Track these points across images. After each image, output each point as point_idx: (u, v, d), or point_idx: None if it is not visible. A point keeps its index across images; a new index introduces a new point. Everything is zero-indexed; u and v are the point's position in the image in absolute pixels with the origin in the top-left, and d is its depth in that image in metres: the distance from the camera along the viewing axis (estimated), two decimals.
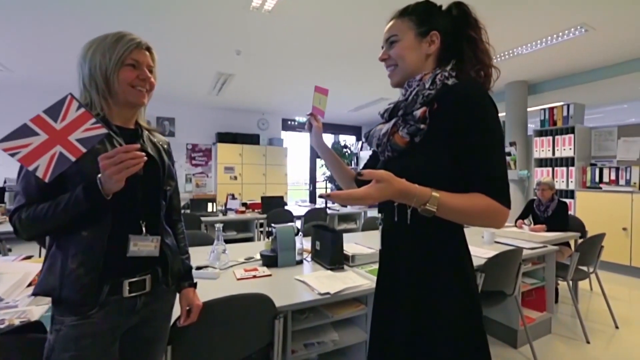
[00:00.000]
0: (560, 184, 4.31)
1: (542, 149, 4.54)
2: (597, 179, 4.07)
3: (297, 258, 1.80)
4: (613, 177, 3.94)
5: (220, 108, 7.10)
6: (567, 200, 4.07)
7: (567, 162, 4.34)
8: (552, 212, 3.00)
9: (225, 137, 6.97)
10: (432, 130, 0.74)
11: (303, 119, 8.16)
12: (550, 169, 4.45)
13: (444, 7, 0.83)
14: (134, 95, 0.86)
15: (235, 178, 7.05)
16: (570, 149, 4.23)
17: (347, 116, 7.56)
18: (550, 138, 4.43)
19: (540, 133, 4.61)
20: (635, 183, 3.76)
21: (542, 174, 4.52)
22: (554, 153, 4.41)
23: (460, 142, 0.71)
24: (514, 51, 3.56)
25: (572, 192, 4.23)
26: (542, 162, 4.63)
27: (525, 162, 4.82)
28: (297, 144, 8.84)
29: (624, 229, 3.69)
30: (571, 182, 4.22)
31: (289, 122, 8.08)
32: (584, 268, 2.57)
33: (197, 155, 7.10)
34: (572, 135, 4.19)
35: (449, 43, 0.81)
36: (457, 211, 0.68)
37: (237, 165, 7.05)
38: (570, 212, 4.18)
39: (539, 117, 4.57)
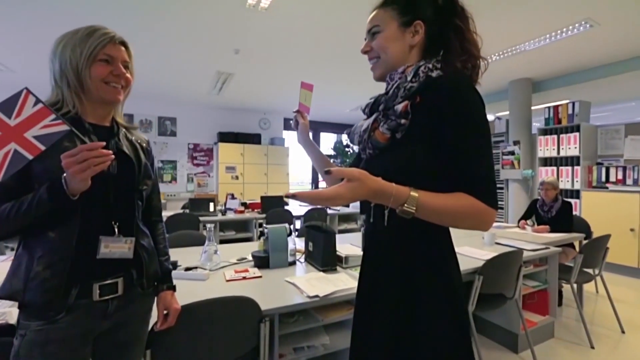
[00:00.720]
0: (565, 184, 4.22)
1: (546, 147, 4.45)
2: (603, 179, 3.98)
3: (290, 259, 1.76)
4: (620, 176, 3.84)
5: (221, 108, 7.10)
6: (572, 201, 3.99)
7: (573, 161, 4.24)
8: (556, 213, 2.92)
9: (226, 137, 6.96)
10: (414, 125, 0.69)
11: None
12: (555, 168, 4.35)
13: None
14: (107, 92, 0.83)
15: (237, 178, 7.04)
16: (575, 147, 4.13)
17: (348, 115, 7.49)
18: (555, 137, 4.34)
19: (544, 132, 4.52)
20: None
21: (546, 174, 4.43)
22: (559, 152, 4.32)
23: (443, 139, 0.66)
24: (518, 48, 3.48)
25: (578, 192, 4.13)
26: (546, 162, 4.54)
27: (529, 161, 4.73)
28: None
29: (632, 229, 3.59)
30: (576, 181, 4.12)
31: (291, 122, 8.02)
32: (590, 270, 2.50)
33: (198, 155, 7.10)
34: (577, 134, 4.10)
35: (435, 33, 0.76)
36: (438, 212, 0.64)
37: (239, 165, 7.04)
38: (575, 213, 4.09)
39: (544, 116, 4.48)
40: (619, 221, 3.69)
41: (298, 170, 8.46)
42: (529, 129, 4.75)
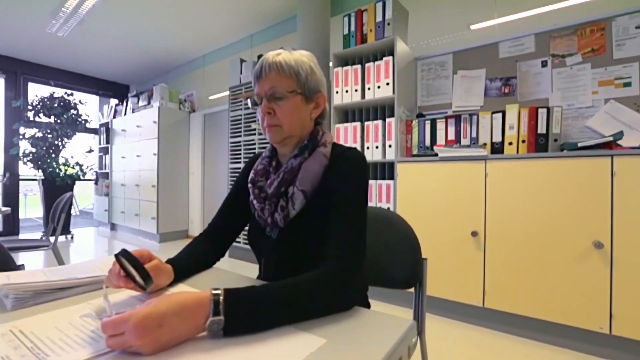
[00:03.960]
0: (371, 152, 2.30)
1: (345, 88, 2.45)
2: (428, 142, 2.21)
3: None
4: (451, 135, 2.13)
5: None
6: (383, 183, 2.06)
7: (384, 111, 2.38)
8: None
9: None
10: None
11: None
12: (358, 123, 2.39)
13: None
14: None
15: None
16: (388, 84, 2.25)
17: None
18: (359, 68, 2.38)
19: (342, 61, 2.54)
20: (485, 143, 2.01)
21: (346, 135, 2.43)
22: (363, 94, 2.38)
23: None
24: None
25: (392, 165, 2.26)
26: (345, 113, 2.58)
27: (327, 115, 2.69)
28: None
29: (474, 233, 1.84)
30: (389, 146, 2.23)
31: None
32: None
33: None
34: (390, 59, 2.22)
35: None
36: None
37: None
38: (387, 205, 2.24)
39: (342, 32, 2.49)
40: (456, 215, 1.91)
41: None
42: (325, 59, 2.71)
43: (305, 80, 0.70)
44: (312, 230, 0.65)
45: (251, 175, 0.77)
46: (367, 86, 2.34)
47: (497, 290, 1.77)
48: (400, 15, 2.34)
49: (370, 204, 2.29)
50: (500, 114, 1.96)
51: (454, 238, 1.90)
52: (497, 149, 1.96)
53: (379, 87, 2.28)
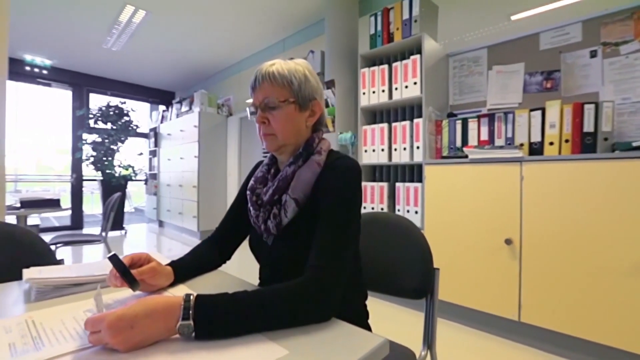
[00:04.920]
0: (399, 154, 2.23)
1: (372, 89, 2.41)
2: (458, 142, 2.09)
3: None
4: (485, 134, 2.00)
5: None
6: (411, 186, 2.01)
7: (412, 111, 2.30)
8: None
9: None
10: None
11: (40, 60, 4.70)
12: (385, 125, 2.34)
13: None
14: None
15: None
16: (415, 83, 2.17)
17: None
18: (386, 68, 2.33)
19: (369, 61, 2.50)
20: (522, 144, 1.86)
21: (373, 137, 2.39)
22: (390, 94, 2.32)
23: None
24: None
25: (420, 167, 2.18)
26: (373, 115, 2.53)
27: (347, 117, 2.67)
28: (35, 103, 5.26)
29: (508, 241, 1.71)
30: (417, 148, 2.16)
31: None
32: None
33: None
34: (418, 58, 2.14)
35: None
36: None
37: None
38: (416, 209, 2.16)
39: (369, 32, 2.45)
40: (488, 221, 1.80)
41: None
42: (353, 60, 2.69)
43: (299, 89, 0.71)
44: (304, 237, 0.66)
45: (251, 182, 0.79)
46: (394, 86, 2.28)
47: (536, 304, 1.63)
48: (428, 11, 2.25)
49: (398, 207, 2.24)
50: (539, 112, 1.79)
51: (486, 245, 1.78)
52: (535, 149, 1.80)
53: (406, 86, 2.21)
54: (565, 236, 1.55)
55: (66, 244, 2.42)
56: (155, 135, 5.76)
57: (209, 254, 0.82)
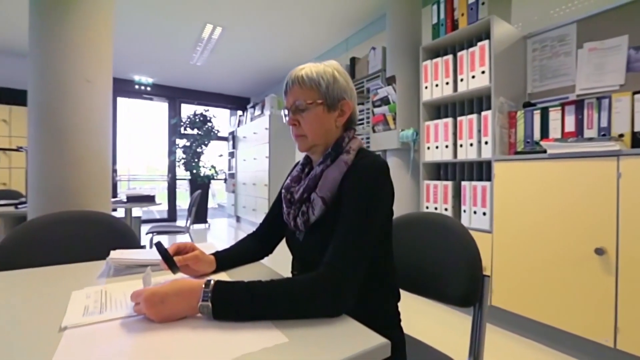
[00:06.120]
0: (465, 151, 2.05)
1: (435, 82, 2.27)
2: (537, 135, 1.84)
3: None
4: (571, 125, 1.71)
5: None
6: (478, 185, 1.86)
7: (480, 103, 2.10)
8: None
9: None
10: None
11: (145, 79, 5.58)
12: (450, 119, 2.18)
13: None
14: None
15: None
16: (483, 72, 1.97)
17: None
18: (450, 58, 2.17)
19: (432, 52, 2.35)
20: (622, 134, 1.54)
21: (436, 133, 2.25)
22: (455, 87, 2.15)
23: None
24: None
25: (488, 164, 1.98)
26: (436, 109, 2.37)
27: (409, 113, 2.55)
28: (141, 116, 6.22)
29: (599, 250, 1.44)
30: (485, 143, 1.96)
31: (131, 83, 5.49)
32: None
33: None
34: (486, 44, 1.94)
35: None
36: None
37: (3, 138, 4.36)
38: (484, 210, 1.96)
39: (431, 22, 2.30)
40: (573, 227, 1.54)
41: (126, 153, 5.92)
42: (414, 54, 2.58)
43: (326, 90, 0.72)
44: (330, 235, 0.67)
45: (287, 181, 0.84)
46: (459, 77, 2.11)
47: (637, 330, 1.34)
48: None
49: (463, 207, 2.06)
50: None
51: (571, 255, 1.53)
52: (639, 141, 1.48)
53: (473, 77, 2.02)
54: None
55: (158, 233, 2.85)
56: (233, 138, 6.35)
57: (251, 247, 0.89)
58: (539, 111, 1.83)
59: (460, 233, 0.93)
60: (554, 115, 1.77)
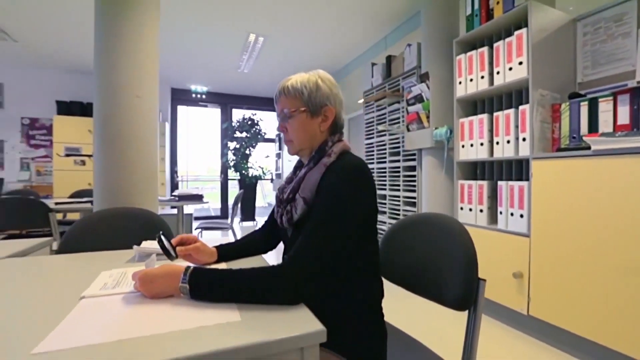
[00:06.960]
0: (501, 148, 1.92)
1: (469, 76, 2.15)
2: (584, 129, 1.65)
3: None
4: (625, 118, 1.51)
5: (63, 68, 5.20)
6: (516, 185, 1.76)
7: (519, 96, 1.94)
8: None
9: (68, 108, 5.07)
10: None
11: (200, 88, 6.12)
12: (485, 115, 2.05)
13: None
14: None
15: (83, 163, 5.12)
16: (521, 64, 1.82)
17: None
18: (485, 50, 2.04)
19: (467, 45, 2.22)
20: None
21: (471, 130, 2.13)
22: (492, 80, 2.02)
23: None
24: None
25: (527, 162, 1.82)
26: (475, 105, 2.24)
27: (443, 111, 2.45)
28: (197, 122, 6.78)
29: None
30: (523, 140, 1.81)
31: (189, 92, 6.09)
32: None
33: (37, 134, 5.25)
34: (524, 32, 1.79)
35: None
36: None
37: (86, 146, 5.13)
38: (521, 212, 1.80)
39: (465, 14, 2.18)
40: (625, 233, 1.37)
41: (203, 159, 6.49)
42: (448, 48, 2.47)
43: (309, 98, 0.77)
44: None
45: (282, 182, 0.91)
46: (495, 70, 1.98)
47: None
48: None
49: (500, 209, 1.94)
50: None
51: (618, 265, 1.36)
52: None
53: (510, 68, 1.88)
54: None
55: (205, 229, 3.13)
56: (279, 140, 6.63)
57: (255, 241, 0.97)
58: (586, 102, 1.64)
59: (459, 234, 0.90)
60: (604, 106, 1.58)
